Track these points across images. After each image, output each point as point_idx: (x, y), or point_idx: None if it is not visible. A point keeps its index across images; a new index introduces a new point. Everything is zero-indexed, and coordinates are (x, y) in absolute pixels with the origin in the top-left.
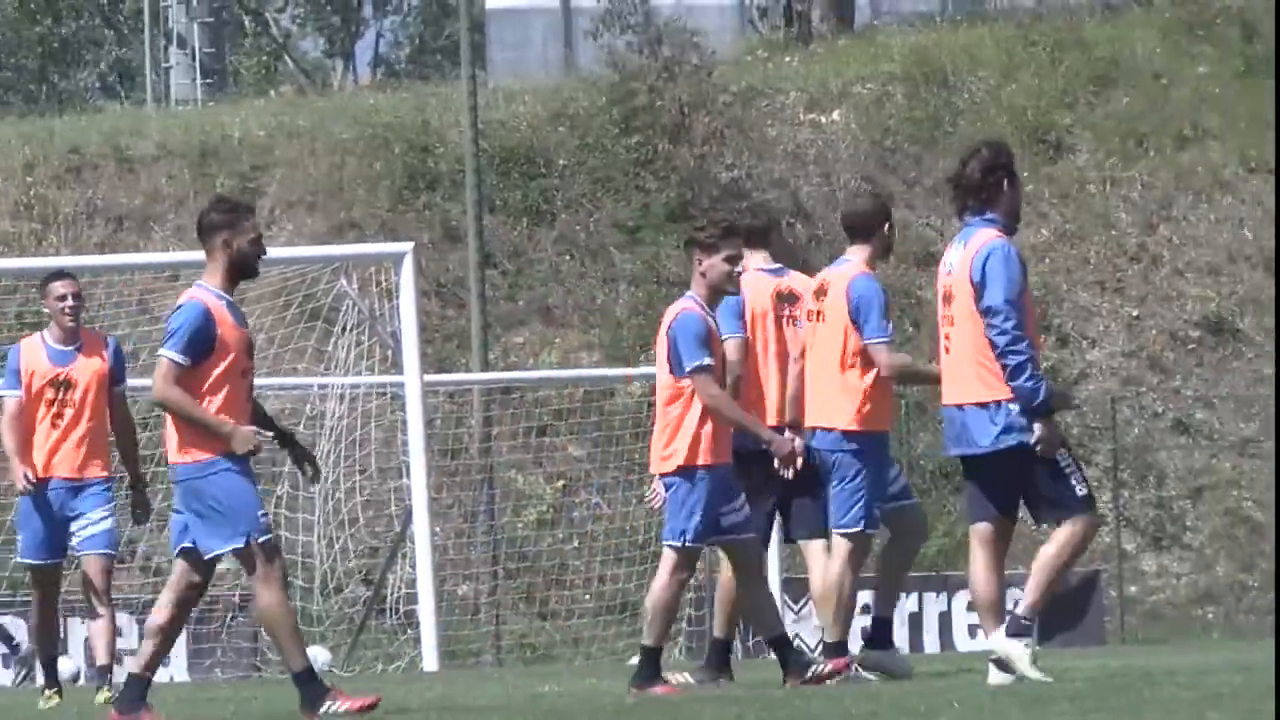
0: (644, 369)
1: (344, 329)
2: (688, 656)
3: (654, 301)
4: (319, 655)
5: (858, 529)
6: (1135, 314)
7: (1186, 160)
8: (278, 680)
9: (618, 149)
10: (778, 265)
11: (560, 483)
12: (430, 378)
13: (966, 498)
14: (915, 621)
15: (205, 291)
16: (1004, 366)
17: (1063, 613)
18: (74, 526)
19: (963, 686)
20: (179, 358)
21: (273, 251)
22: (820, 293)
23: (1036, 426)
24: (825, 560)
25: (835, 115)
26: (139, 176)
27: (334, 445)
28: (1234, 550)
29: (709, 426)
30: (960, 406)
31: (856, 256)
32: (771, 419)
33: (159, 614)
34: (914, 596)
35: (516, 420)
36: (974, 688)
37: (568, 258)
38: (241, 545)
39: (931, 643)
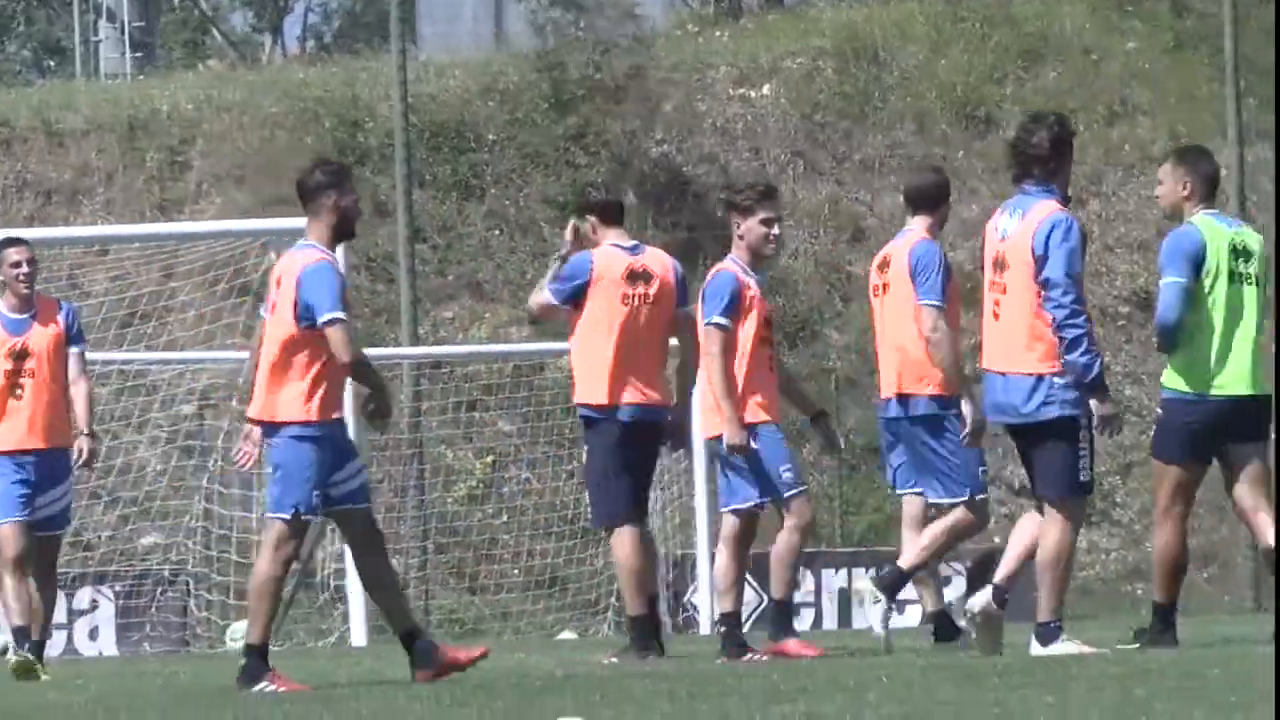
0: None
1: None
2: (616, 631)
3: None
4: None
5: (966, 496)
6: None
7: (1116, 136)
8: (206, 655)
9: (548, 124)
10: (634, 243)
11: (490, 458)
12: None
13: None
14: (844, 597)
15: (321, 251)
16: (1060, 339)
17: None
18: (38, 500)
19: (892, 662)
20: (345, 315)
21: (201, 226)
22: (883, 266)
23: (1094, 402)
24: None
25: (765, 90)
26: (68, 150)
27: None
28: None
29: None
30: (1004, 374)
31: (918, 226)
32: (602, 396)
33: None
34: (844, 572)
35: (446, 395)
36: (904, 664)
37: (497, 233)
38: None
39: (860, 618)
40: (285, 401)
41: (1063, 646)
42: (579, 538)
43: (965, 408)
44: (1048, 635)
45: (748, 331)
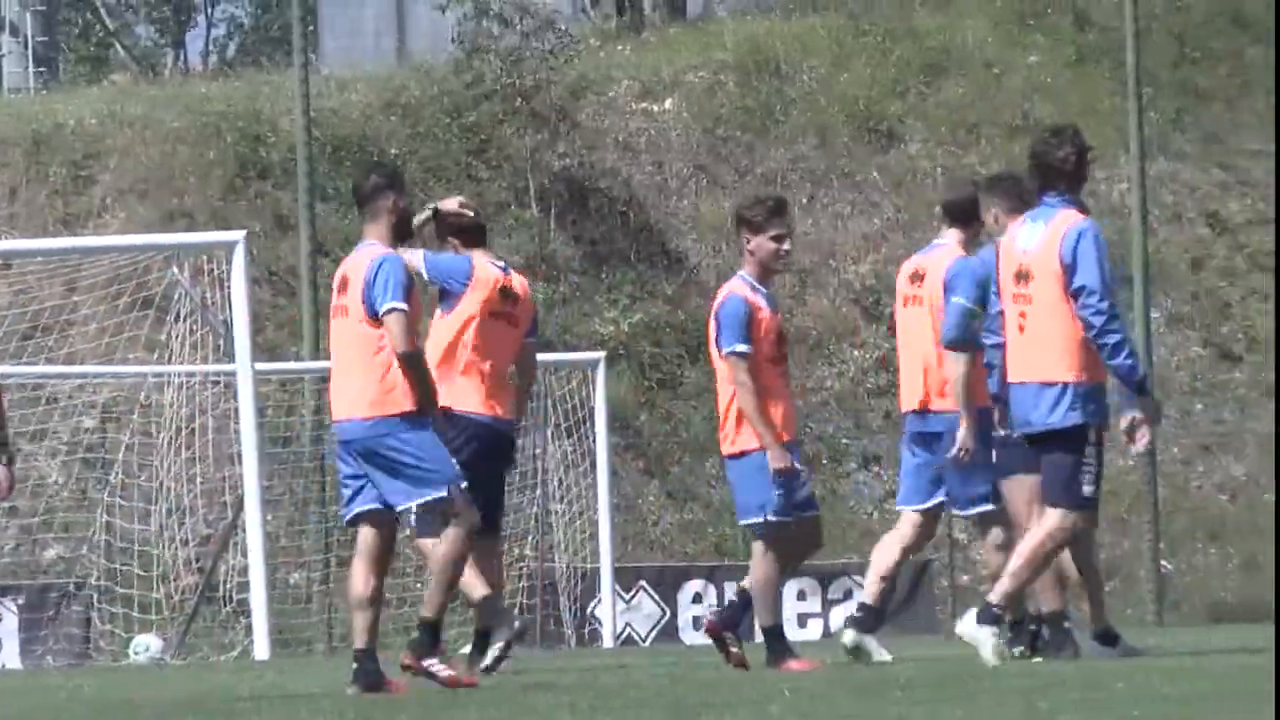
0: None
1: (177, 318)
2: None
3: None
4: (151, 643)
5: (987, 506)
6: None
7: (1018, 149)
8: (110, 668)
9: (449, 138)
10: (503, 262)
11: None
12: (261, 366)
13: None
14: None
15: (385, 247)
16: (1101, 346)
17: (895, 601)
18: None
19: (794, 675)
20: (406, 307)
21: (104, 240)
22: (916, 278)
23: (1140, 402)
24: None
25: (667, 104)
26: None
27: (170, 434)
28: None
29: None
30: (1026, 384)
31: (951, 239)
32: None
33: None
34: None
35: None
36: (806, 675)
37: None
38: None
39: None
40: (391, 397)
41: (989, 638)
42: None
43: (961, 428)
44: (987, 617)
45: (760, 352)
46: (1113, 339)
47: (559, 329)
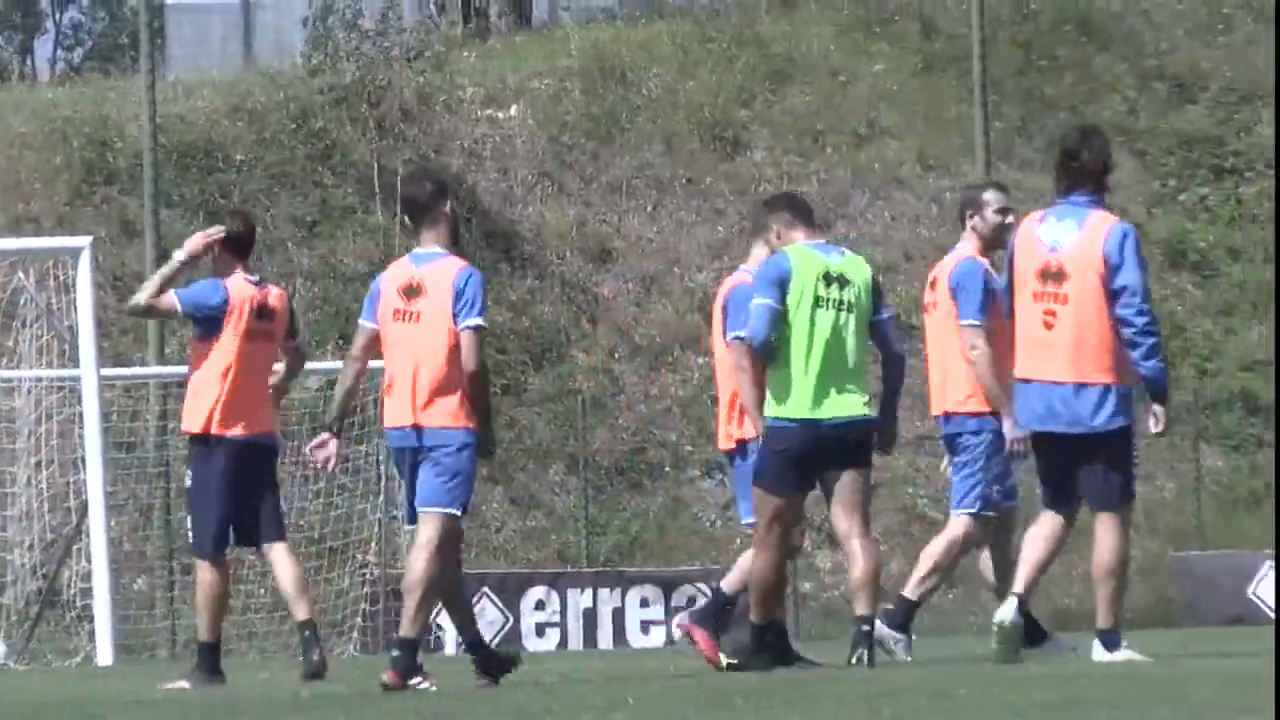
0: (323, 364)
1: (24, 323)
2: (362, 651)
3: (331, 296)
4: None
5: (975, 509)
6: None
7: (864, 158)
8: None
9: (295, 144)
10: (257, 276)
11: None
12: (107, 371)
13: (1042, 478)
14: (590, 617)
15: (460, 260)
16: (1137, 344)
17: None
18: None
19: (638, 681)
20: (484, 322)
21: None
22: (933, 284)
23: (1157, 407)
24: None
25: (513, 111)
26: None
27: (17, 439)
28: (909, 547)
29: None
30: (1062, 384)
31: (966, 244)
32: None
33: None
34: (589, 592)
35: None
36: (649, 683)
37: None
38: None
39: (605, 639)
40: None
41: (1124, 653)
42: (325, 557)
43: (1006, 425)
44: (1111, 643)
45: None
46: (1151, 340)
47: None
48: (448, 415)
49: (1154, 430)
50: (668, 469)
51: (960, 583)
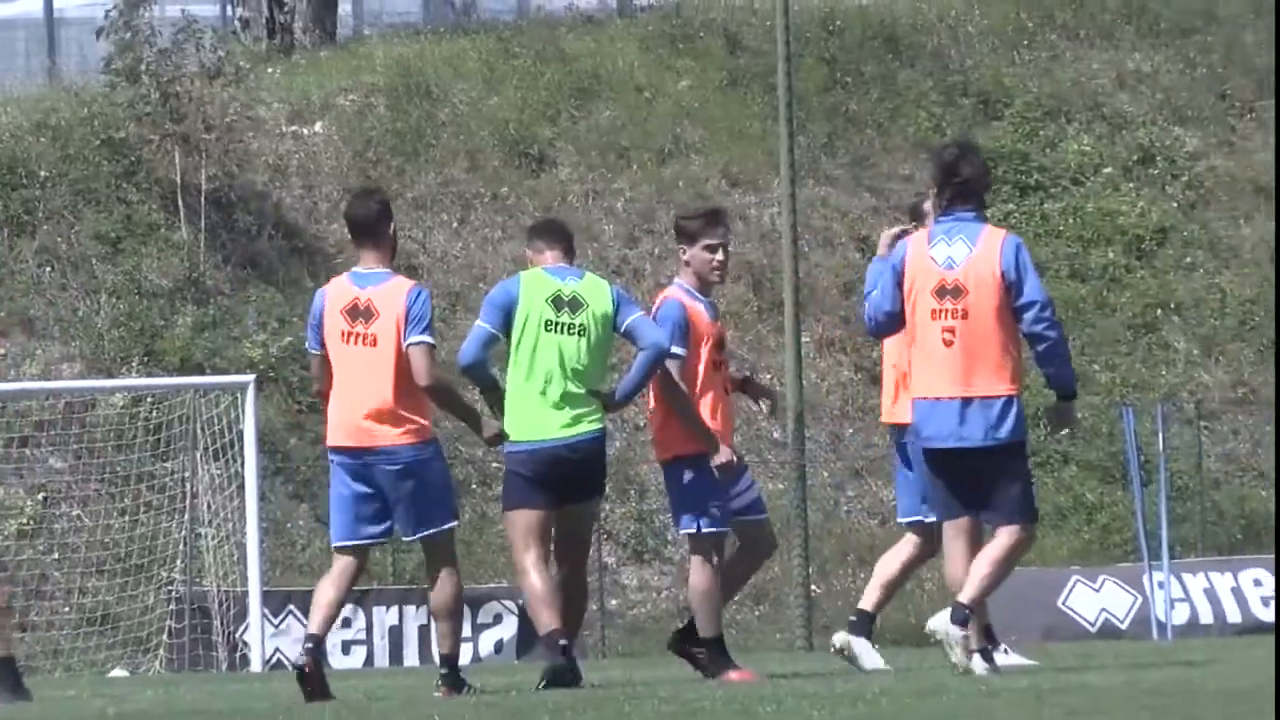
0: (125, 380)
1: None
2: (167, 668)
3: (136, 313)
4: None
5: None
6: None
7: (669, 174)
8: None
9: (100, 159)
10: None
11: (41, 495)
12: None
13: (941, 494)
14: (396, 635)
15: (408, 280)
16: (1054, 356)
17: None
18: None
19: (444, 700)
20: (433, 341)
21: None
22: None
23: (1068, 409)
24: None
25: (318, 127)
26: None
27: None
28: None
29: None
30: (967, 399)
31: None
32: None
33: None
34: (395, 610)
35: None
36: (455, 705)
37: (49, 269)
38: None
39: (412, 656)
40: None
41: (958, 636)
42: (130, 575)
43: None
44: (961, 617)
45: (696, 357)
46: (1064, 350)
47: (208, 352)
48: (410, 433)
49: (1064, 430)
50: (474, 486)
51: (764, 600)
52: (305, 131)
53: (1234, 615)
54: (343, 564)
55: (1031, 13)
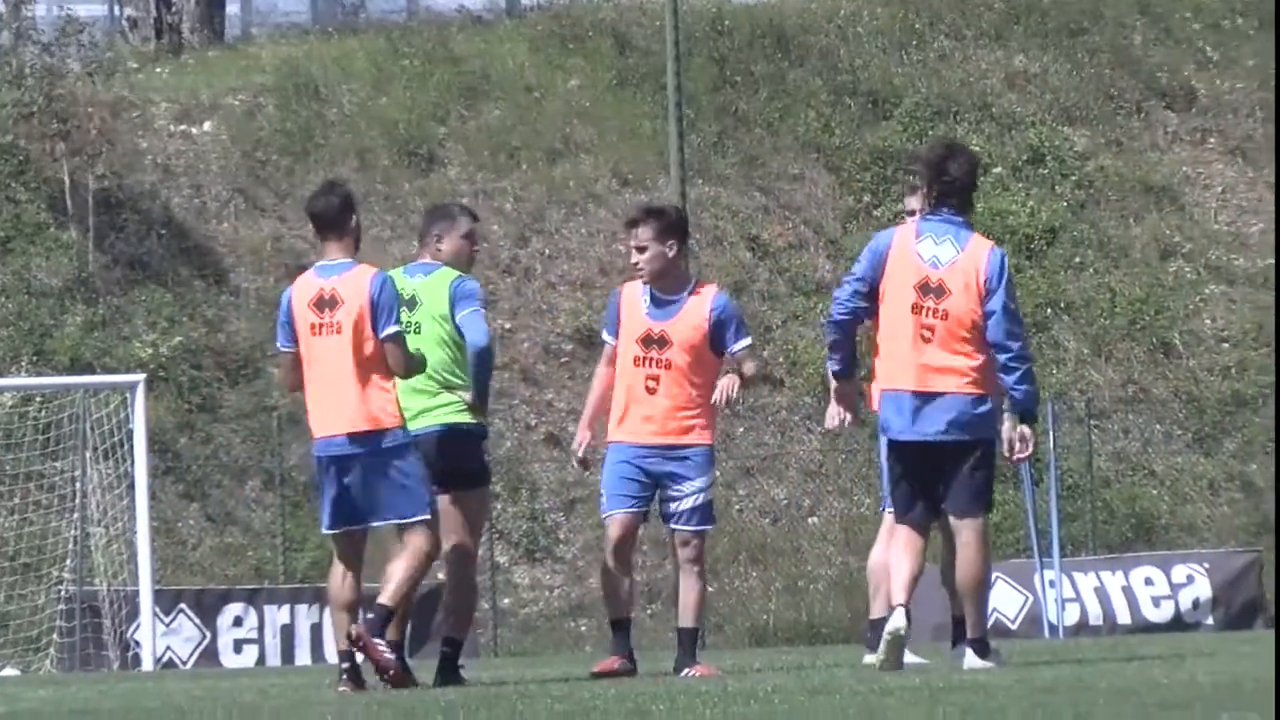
0: (14, 379)
1: None
2: (58, 667)
3: (25, 312)
4: None
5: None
6: (508, 326)
7: (558, 174)
8: None
9: None
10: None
11: None
12: None
13: (902, 488)
14: (288, 634)
15: (372, 268)
16: (1011, 369)
17: (427, 624)
18: None
19: (337, 699)
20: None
21: None
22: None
23: (1024, 428)
24: None
25: (206, 126)
26: None
27: None
28: None
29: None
30: (940, 394)
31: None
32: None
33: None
34: (286, 608)
35: None
36: (346, 702)
37: None
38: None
39: (304, 655)
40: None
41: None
42: (19, 574)
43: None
44: (984, 650)
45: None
46: (1026, 365)
47: (97, 351)
48: (383, 416)
49: (1018, 453)
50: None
51: (658, 598)
52: (194, 131)
53: (1124, 616)
54: (338, 553)
55: (920, 13)
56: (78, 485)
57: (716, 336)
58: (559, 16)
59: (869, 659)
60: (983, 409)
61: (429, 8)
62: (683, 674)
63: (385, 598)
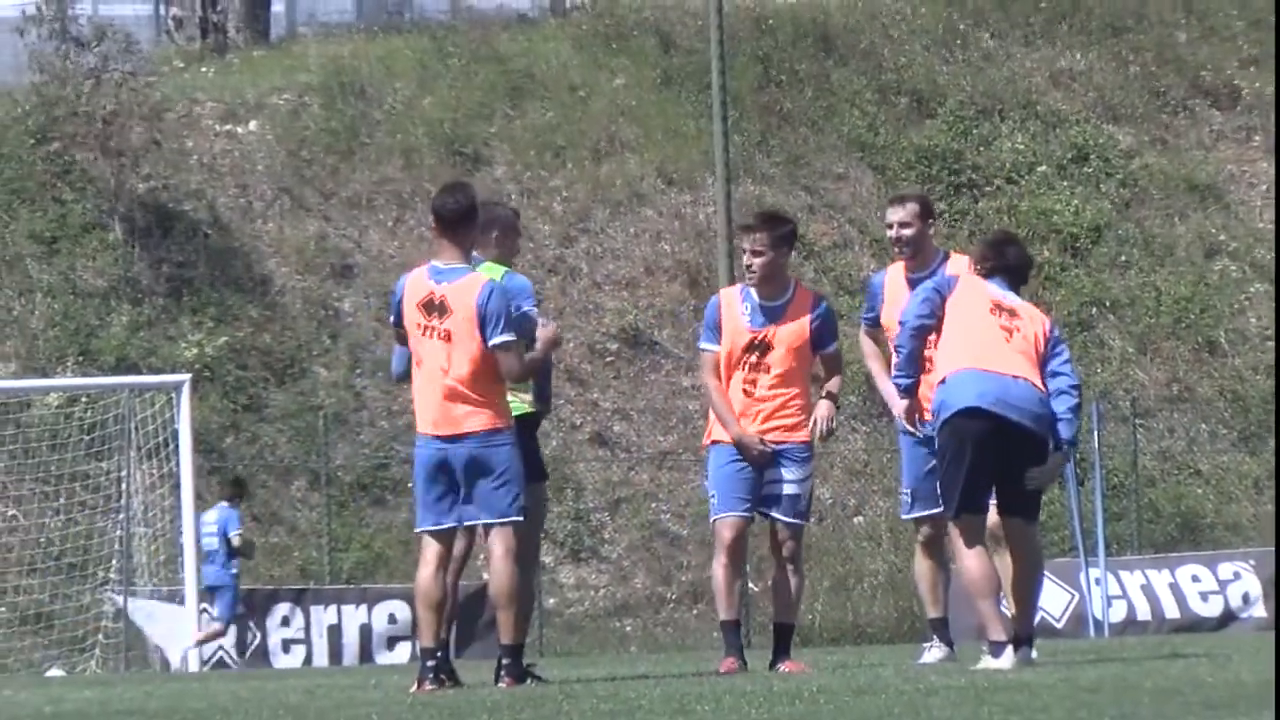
0: (60, 380)
1: None
2: (102, 668)
3: (71, 313)
4: None
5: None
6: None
7: (604, 173)
8: None
9: (34, 159)
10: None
11: None
12: None
13: (969, 478)
14: (335, 634)
15: (484, 275)
16: (1074, 395)
17: (472, 623)
18: None
19: (380, 700)
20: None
21: None
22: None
23: (1058, 454)
24: None
25: (252, 126)
26: None
27: None
28: (651, 563)
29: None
30: (1026, 380)
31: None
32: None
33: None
34: (333, 609)
35: None
36: (391, 702)
37: None
38: None
39: (351, 655)
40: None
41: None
42: (64, 573)
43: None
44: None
45: (725, 352)
46: (1077, 401)
47: (143, 352)
48: (485, 420)
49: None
50: (410, 484)
51: (703, 598)
52: (239, 131)
53: (1172, 612)
54: (431, 551)
55: (964, 12)
56: (123, 485)
57: (817, 339)
58: (603, 16)
59: (927, 657)
60: (1049, 413)
61: (473, 7)
62: (776, 669)
63: (505, 638)
